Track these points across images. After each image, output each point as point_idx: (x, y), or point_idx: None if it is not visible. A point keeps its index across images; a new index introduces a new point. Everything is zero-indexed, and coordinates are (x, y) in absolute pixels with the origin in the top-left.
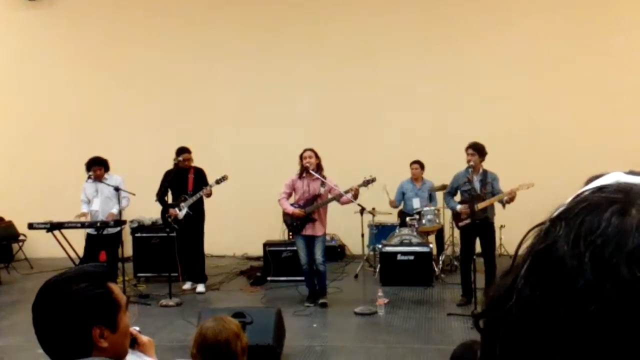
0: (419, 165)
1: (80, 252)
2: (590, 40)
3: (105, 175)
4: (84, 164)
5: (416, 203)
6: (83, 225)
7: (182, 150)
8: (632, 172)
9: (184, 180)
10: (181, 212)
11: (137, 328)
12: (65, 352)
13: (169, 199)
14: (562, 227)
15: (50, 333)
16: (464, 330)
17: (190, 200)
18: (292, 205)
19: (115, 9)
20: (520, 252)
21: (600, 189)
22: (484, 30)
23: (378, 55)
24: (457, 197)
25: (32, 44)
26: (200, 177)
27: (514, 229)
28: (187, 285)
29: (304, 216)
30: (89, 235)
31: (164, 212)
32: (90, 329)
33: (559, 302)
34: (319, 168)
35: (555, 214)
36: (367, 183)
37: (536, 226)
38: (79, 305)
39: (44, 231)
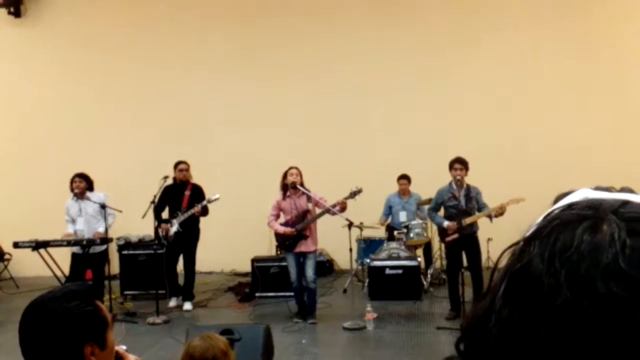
0: (406, 180)
1: (66, 271)
2: (579, 54)
3: (89, 194)
4: (66, 180)
5: (403, 216)
6: (69, 244)
7: (178, 162)
8: (598, 188)
9: (180, 197)
10: (172, 229)
11: (124, 347)
12: None
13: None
14: (536, 246)
15: (39, 353)
16: (452, 344)
17: (182, 217)
18: (282, 224)
19: (100, 25)
20: (497, 272)
21: (570, 206)
22: (471, 44)
23: (366, 73)
24: (441, 212)
25: (18, 61)
26: (196, 194)
27: (501, 241)
28: (172, 303)
29: (295, 234)
30: (74, 255)
31: (157, 227)
32: (82, 347)
33: (538, 321)
34: (301, 186)
35: (528, 233)
36: (354, 194)
37: (510, 246)
38: (71, 323)
39: (29, 250)
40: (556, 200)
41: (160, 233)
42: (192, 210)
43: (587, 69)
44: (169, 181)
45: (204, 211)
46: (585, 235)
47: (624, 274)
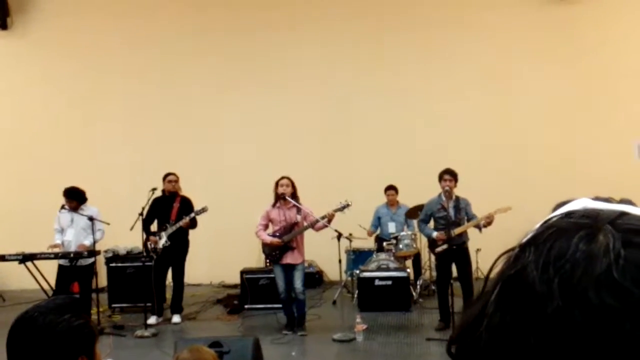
0: (394, 190)
1: (53, 283)
2: (563, 63)
3: (82, 207)
4: (58, 194)
5: (392, 227)
6: (57, 256)
7: (168, 174)
8: (597, 198)
9: (168, 209)
10: (160, 241)
11: None
12: None
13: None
14: (532, 253)
15: None
16: (442, 355)
17: (170, 230)
18: (270, 235)
19: (88, 36)
20: (491, 277)
21: (568, 214)
22: (454, 53)
23: (349, 83)
24: (431, 224)
25: (5, 73)
26: (185, 206)
27: (490, 252)
28: (152, 320)
29: (282, 245)
30: (60, 267)
31: (146, 240)
32: None
33: (529, 328)
34: (294, 197)
35: (525, 239)
36: (342, 208)
37: (506, 252)
38: (64, 337)
39: (16, 262)
40: (555, 209)
41: (149, 246)
42: (181, 223)
43: (576, 76)
44: (158, 193)
45: (193, 223)
46: (580, 244)
47: (616, 284)
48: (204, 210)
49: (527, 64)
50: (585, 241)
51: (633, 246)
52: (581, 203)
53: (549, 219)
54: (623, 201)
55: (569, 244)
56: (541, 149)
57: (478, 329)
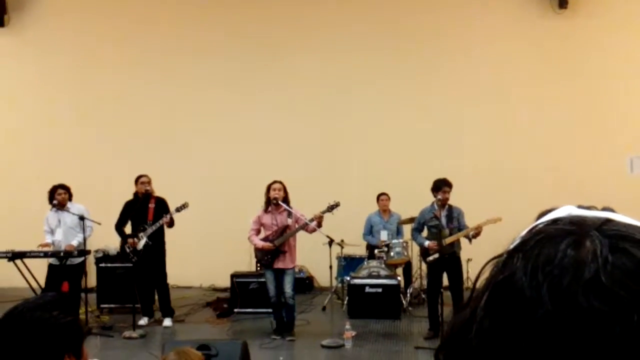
0: (386, 196)
1: (42, 282)
2: (558, 74)
3: (69, 204)
4: (47, 191)
5: (384, 236)
6: (46, 255)
7: (140, 176)
8: (581, 207)
9: (144, 210)
10: (140, 242)
11: None
12: None
13: (128, 229)
14: (520, 259)
15: None
16: None
17: (150, 230)
18: (262, 240)
19: (85, 34)
20: (479, 284)
21: (555, 221)
22: (449, 63)
23: (347, 88)
24: (424, 232)
25: (0, 70)
26: (161, 207)
27: (481, 262)
28: (144, 321)
29: (274, 249)
30: (51, 266)
31: (123, 242)
32: (62, 358)
33: (519, 333)
34: (285, 202)
35: (512, 246)
36: (331, 208)
37: (493, 258)
38: (53, 333)
39: (5, 260)
40: (539, 217)
41: (127, 249)
42: (162, 221)
43: (571, 88)
44: (129, 196)
45: (171, 222)
46: (568, 250)
47: (605, 288)
48: (184, 206)
49: (526, 77)
50: (573, 247)
51: (619, 251)
52: (566, 210)
53: (536, 226)
54: (605, 209)
55: (556, 249)
56: (534, 158)
57: (467, 334)
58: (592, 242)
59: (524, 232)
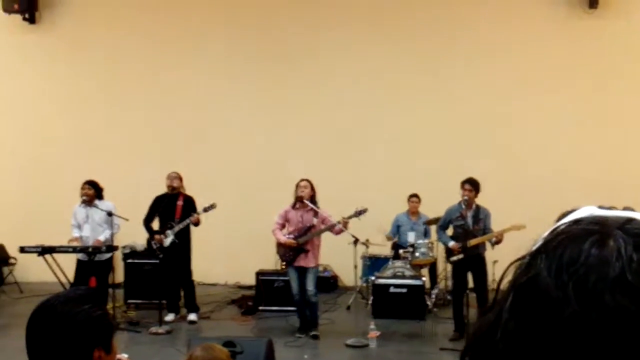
0: (417, 198)
1: (71, 277)
2: (589, 73)
3: (97, 202)
4: (78, 187)
5: (411, 237)
6: (75, 250)
7: (171, 174)
8: (602, 207)
9: (172, 207)
10: (167, 239)
11: (126, 355)
12: None
13: (156, 225)
14: (543, 260)
15: (48, 356)
16: None
17: (177, 228)
18: (285, 235)
19: (115, 31)
20: (502, 286)
21: (577, 221)
22: (478, 63)
23: (373, 88)
24: (449, 231)
25: (32, 67)
26: (189, 205)
27: (507, 264)
28: (170, 317)
29: (296, 246)
30: (79, 261)
31: (150, 238)
32: (91, 351)
33: (546, 334)
34: (312, 201)
35: (535, 247)
36: (358, 214)
37: (516, 260)
38: (83, 327)
39: (35, 255)
40: (560, 218)
41: (154, 245)
42: (190, 219)
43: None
44: (160, 191)
45: (198, 221)
46: (592, 249)
47: (631, 286)
48: (212, 207)
49: (557, 77)
50: (597, 246)
51: None
52: (587, 211)
53: (558, 227)
54: (626, 209)
55: (580, 249)
56: (560, 161)
57: (493, 337)
58: (616, 240)
59: (545, 234)
